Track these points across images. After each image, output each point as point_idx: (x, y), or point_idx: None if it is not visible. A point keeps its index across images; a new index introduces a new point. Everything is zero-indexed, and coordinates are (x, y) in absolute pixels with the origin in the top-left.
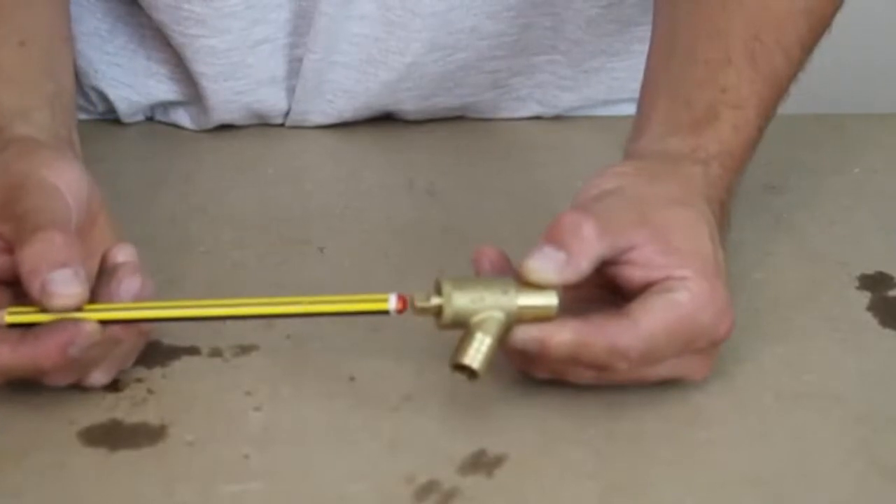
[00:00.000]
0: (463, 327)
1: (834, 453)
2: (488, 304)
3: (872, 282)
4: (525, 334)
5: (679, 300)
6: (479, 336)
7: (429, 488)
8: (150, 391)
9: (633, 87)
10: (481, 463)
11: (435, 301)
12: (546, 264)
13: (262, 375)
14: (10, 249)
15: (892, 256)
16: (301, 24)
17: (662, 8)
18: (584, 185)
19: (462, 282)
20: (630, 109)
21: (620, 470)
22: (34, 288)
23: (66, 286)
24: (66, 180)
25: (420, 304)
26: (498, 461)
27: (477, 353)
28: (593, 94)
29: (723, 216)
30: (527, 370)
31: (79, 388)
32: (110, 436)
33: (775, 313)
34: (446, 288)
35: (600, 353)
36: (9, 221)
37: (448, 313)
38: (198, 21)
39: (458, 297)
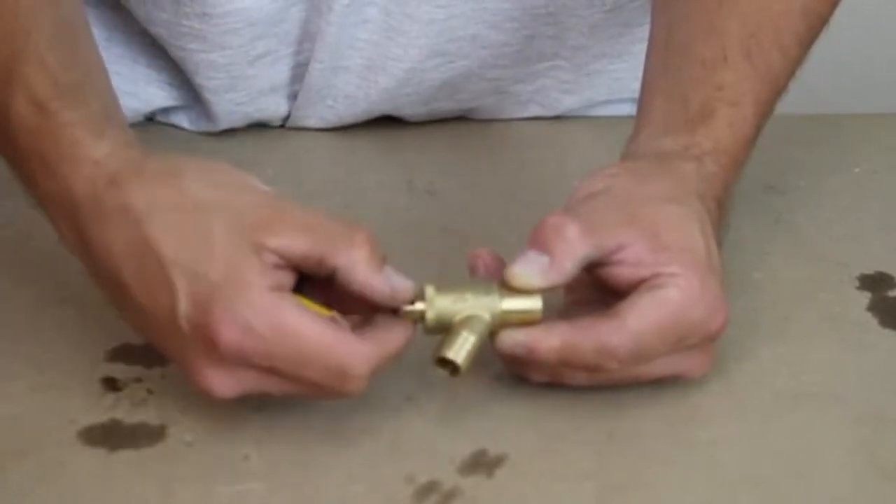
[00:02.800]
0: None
1: (834, 453)
2: (471, 305)
3: (872, 282)
4: (511, 340)
5: (668, 297)
6: (463, 333)
7: (429, 488)
8: (149, 391)
9: (634, 86)
10: (481, 463)
11: (418, 306)
12: (529, 269)
13: None
14: (288, 266)
15: (892, 256)
16: (304, 34)
17: (659, 8)
18: (575, 188)
19: (445, 286)
20: (630, 109)
21: (620, 470)
22: (383, 294)
23: (401, 280)
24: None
25: (405, 308)
26: (498, 461)
27: (461, 348)
28: (594, 96)
29: (719, 214)
30: (522, 374)
31: (78, 386)
32: (110, 436)
33: (775, 313)
34: (428, 292)
35: (589, 355)
36: (298, 235)
37: (431, 316)
38: (197, 37)
39: (440, 299)
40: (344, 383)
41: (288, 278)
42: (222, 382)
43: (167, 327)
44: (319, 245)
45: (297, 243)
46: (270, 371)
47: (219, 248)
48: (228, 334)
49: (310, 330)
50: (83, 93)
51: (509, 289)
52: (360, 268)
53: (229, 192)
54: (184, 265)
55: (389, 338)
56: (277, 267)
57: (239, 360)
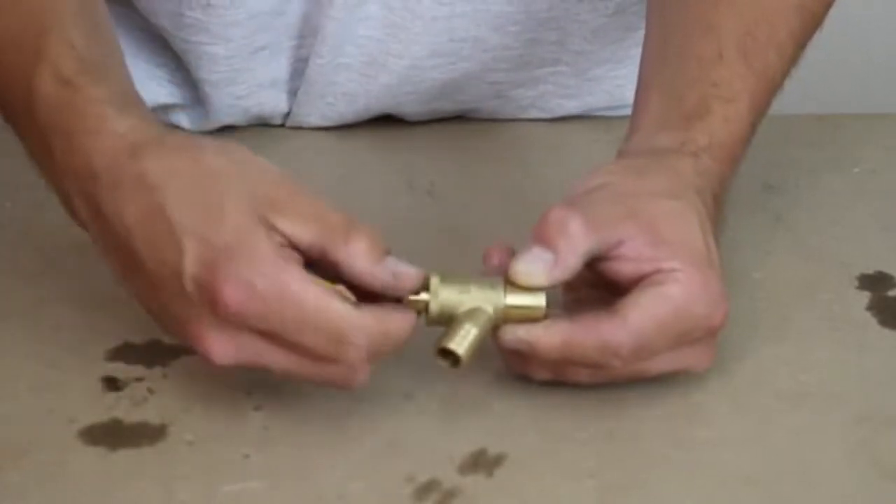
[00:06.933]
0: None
1: (834, 453)
2: (475, 297)
3: (872, 281)
4: (513, 336)
5: (669, 293)
6: (466, 325)
7: (429, 488)
8: (150, 390)
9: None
10: (481, 463)
11: (423, 296)
12: (535, 266)
13: (262, 375)
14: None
15: (892, 256)
16: (305, 28)
17: (655, 7)
18: (573, 184)
19: (450, 276)
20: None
21: (620, 469)
22: (385, 282)
23: (405, 268)
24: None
25: (409, 298)
26: (498, 461)
27: (463, 339)
28: (595, 102)
29: (716, 209)
30: (525, 372)
31: (79, 386)
32: (110, 435)
33: (775, 312)
34: (433, 282)
35: (591, 352)
36: (304, 224)
37: (434, 307)
38: (200, 28)
39: (444, 290)
40: (340, 351)
41: (294, 255)
42: (222, 347)
43: (172, 289)
44: (322, 237)
45: (302, 232)
46: (270, 337)
47: (229, 215)
48: (231, 293)
49: (311, 294)
50: (106, 70)
51: (514, 284)
52: (359, 260)
53: (245, 167)
54: (193, 229)
55: (391, 318)
56: (283, 247)
57: (239, 322)
